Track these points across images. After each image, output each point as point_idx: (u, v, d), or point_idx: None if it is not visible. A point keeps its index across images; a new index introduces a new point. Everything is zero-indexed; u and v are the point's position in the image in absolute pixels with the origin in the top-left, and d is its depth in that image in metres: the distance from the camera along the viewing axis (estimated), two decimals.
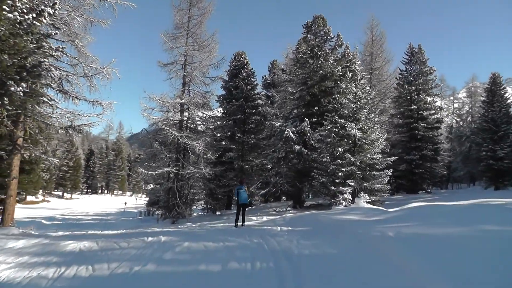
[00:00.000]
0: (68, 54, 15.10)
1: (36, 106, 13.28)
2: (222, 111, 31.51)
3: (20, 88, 11.21)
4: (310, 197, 34.20)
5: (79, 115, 15.10)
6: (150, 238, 11.75)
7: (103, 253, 9.97)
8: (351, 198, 19.04)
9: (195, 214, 31.02)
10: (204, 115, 27.48)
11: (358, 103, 20.33)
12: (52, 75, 13.40)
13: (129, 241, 11.49)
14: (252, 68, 32.93)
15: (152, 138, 25.84)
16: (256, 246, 9.75)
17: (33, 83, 12.62)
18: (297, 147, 23.43)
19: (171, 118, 25.04)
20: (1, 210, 14.88)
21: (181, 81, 26.64)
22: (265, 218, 17.93)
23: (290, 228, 12.46)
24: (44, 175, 20.17)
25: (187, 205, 27.04)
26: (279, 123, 24.92)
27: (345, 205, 18.50)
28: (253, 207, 30.26)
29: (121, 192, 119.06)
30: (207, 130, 27.91)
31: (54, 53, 13.26)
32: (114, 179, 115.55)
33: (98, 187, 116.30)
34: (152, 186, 27.37)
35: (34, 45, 11.78)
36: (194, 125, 27.12)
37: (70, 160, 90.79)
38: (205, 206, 30.17)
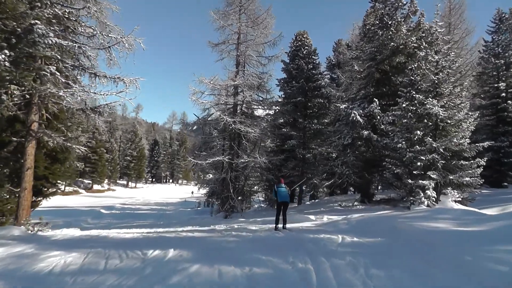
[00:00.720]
0: (82, 23, 12.79)
1: (49, 85, 11.30)
2: (282, 95, 28.79)
3: (2, 56, 9.19)
4: (380, 189, 30.69)
5: (95, 93, 12.85)
6: (154, 252, 8.74)
7: (75, 278, 7.17)
8: (435, 196, 15.49)
9: (255, 206, 28.70)
10: (261, 99, 24.90)
11: (440, 74, 16.60)
12: (57, 43, 11.19)
13: (126, 255, 8.67)
14: (313, 46, 29.79)
15: (203, 125, 23.76)
16: (298, 279, 6.57)
17: (22, 52, 10.53)
18: (365, 132, 20.27)
19: (223, 102, 22.79)
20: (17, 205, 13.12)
21: (234, 62, 24.26)
22: (325, 219, 14.95)
23: (355, 238, 9.45)
24: (78, 165, 18.32)
25: (244, 197, 24.80)
26: (344, 105, 21.81)
27: (428, 205, 15.10)
28: (317, 200, 27.45)
29: (185, 181, 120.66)
30: (265, 116, 25.27)
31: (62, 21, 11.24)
32: (178, 169, 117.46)
33: (162, 176, 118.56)
34: (211, 175, 25.25)
35: (28, 6, 9.88)
36: (250, 110, 24.68)
37: (134, 150, 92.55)
38: (264, 198, 27.74)
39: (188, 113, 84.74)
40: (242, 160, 21.24)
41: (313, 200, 27.35)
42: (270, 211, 22.02)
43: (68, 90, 11.35)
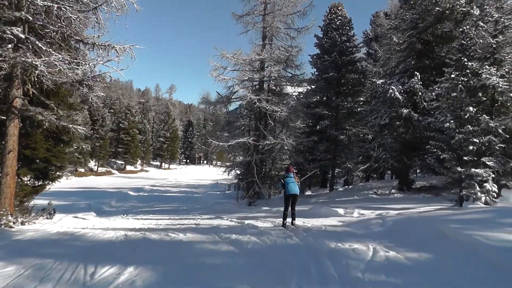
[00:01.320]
0: None
1: (22, 52, 9.62)
2: (315, 72, 26.56)
3: None
4: (419, 173, 28.15)
5: (79, 62, 10.92)
6: (106, 273, 6.39)
7: None
8: (496, 191, 12.34)
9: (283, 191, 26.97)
10: (290, 75, 22.80)
11: (501, 36, 13.79)
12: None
13: (70, 274, 6.45)
14: (348, 17, 27.25)
15: (226, 103, 22.00)
16: None
17: None
18: (405, 111, 18.00)
19: (248, 79, 20.93)
20: None
21: (260, 35, 22.23)
22: (356, 214, 12.33)
23: (391, 252, 6.84)
24: (84, 146, 16.74)
25: (271, 182, 23.07)
26: (381, 81, 19.51)
27: (486, 202, 12.07)
28: (350, 186, 25.39)
29: (219, 162, 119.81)
30: (294, 94, 23.13)
31: None
32: (212, 150, 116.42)
33: (196, 158, 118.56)
34: (240, 157, 23.56)
35: None
36: (277, 88, 22.69)
37: (167, 131, 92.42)
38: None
39: (212, 91, 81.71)
40: (268, 142, 19.43)
41: (346, 186, 25.28)
42: (299, 201, 20.41)
43: (45, 59, 9.68)
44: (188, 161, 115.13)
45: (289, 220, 11.05)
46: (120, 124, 78.82)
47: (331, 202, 17.85)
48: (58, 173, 15.78)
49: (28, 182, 14.78)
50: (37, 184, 14.75)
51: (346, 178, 26.58)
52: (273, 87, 22.42)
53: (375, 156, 20.01)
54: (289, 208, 10.98)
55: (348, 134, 24.47)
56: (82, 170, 71.84)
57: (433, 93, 16.00)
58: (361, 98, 24.74)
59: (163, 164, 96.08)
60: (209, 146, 21.80)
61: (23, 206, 14.61)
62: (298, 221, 11.35)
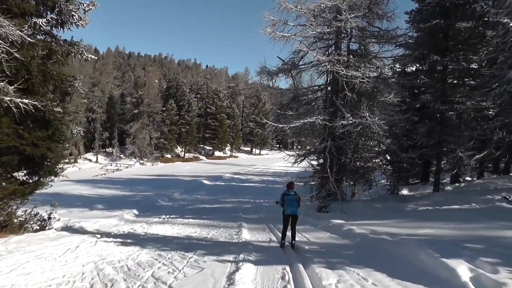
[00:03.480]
0: None
1: None
2: (416, 27, 19.07)
3: None
4: None
5: None
6: None
7: None
8: None
9: (365, 192, 20.14)
10: (376, 30, 16.15)
11: None
12: None
13: None
14: None
15: (290, 71, 16.19)
16: None
17: None
18: None
19: (317, 35, 15.02)
20: None
21: None
22: None
23: None
24: (74, 131, 12.59)
25: (353, 178, 17.14)
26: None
27: None
28: (462, 184, 17.58)
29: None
30: (384, 57, 16.30)
31: None
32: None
33: (288, 143, 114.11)
34: (315, 144, 17.82)
35: None
36: (360, 48, 16.29)
37: (257, 116, 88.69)
38: (385, 180, 19.28)
39: (270, 59, 73.97)
40: (345, 122, 13.38)
41: (456, 184, 17.66)
42: (390, 203, 14.11)
43: None
44: (281, 146, 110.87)
45: (287, 243, 9.66)
46: (208, 109, 76.78)
47: (436, 214, 11.57)
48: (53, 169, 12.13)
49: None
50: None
51: (455, 173, 18.18)
52: (354, 47, 16.17)
53: (496, 140, 14.07)
54: (289, 228, 9.69)
55: (458, 110, 16.78)
56: (169, 156, 71.22)
57: None
58: (478, 57, 16.78)
59: (253, 149, 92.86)
60: (264, 129, 16.37)
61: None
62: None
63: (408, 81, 16.72)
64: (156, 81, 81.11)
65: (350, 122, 13.01)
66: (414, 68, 18.16)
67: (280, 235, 9.86)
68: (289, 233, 9.53)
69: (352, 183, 17.89)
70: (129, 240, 10.40)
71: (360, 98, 16.36)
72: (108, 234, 11.41)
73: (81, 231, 11.84)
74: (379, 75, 15.01)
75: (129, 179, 40.77)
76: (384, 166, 17.78)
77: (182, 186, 31.43)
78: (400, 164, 16.22)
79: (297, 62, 15.90)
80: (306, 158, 17.36)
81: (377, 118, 12.72)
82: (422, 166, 18.72)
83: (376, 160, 17.78)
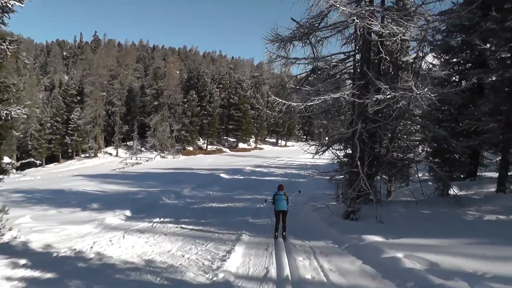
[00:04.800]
0: None
1: None
2: None
3: None
4: None
5: None
6: None
7: None
8: None
9: (403, 190, 16.19)
10: None
11: None
12: None
13: None
14: None
15: (308, 35, 12.72)
16: None
17: None
18: None
19: None
20: None
21: None
22: None
23: None
24: (16, 134, 10.40)
25: (391, 173, 13.63)
26: None
27: None
28: None
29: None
30: (429, 13, 12.42)
31: None
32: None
33: (315, 133, 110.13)
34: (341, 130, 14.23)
35: None
36: (397, 3, 12.61)
37: (287, 118, 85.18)
38: (429, 174, 15.16)
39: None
40: (381, 97, 9.80)
41: None
42: (443, 216, 10.22)
43: None
44: (307, 137, 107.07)
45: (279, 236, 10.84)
46: (230, 99, 73.79)
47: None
48: None
49: None
50: None
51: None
52: (389, 3, 12.54)
53: None
54: (280, 222, 10.96)
55: None
56: (191, 148, 68.89)
57: None
58: None
59: (279, 141, 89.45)
60: (273, 110, 13.12)
61: None
62: None
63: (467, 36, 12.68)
64: (177, 72, 78.71)
65: (388, 96, 9.48)
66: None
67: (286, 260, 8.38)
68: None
69: (387, 179, 14.30)
70: (49, 275, 7.52)
71: (398, 71, 12.83)
72: (37, 258, 8.61)
73: (12, 250, 8.99)
74: (423, 38, 11.41)
75: (142, 174, 38.49)
76: (430, 157, 13.94)
77: (196, 181, 28.77)
78: (452, 156, 12.45)
79: (316, 25, 12.46)
80: (331, 148, 13.95)
81: (426, 89, 9.08)
82: (469, 157, 14.67)
83: (419, 150, 14.10)
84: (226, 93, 75.00)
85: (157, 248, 9.54)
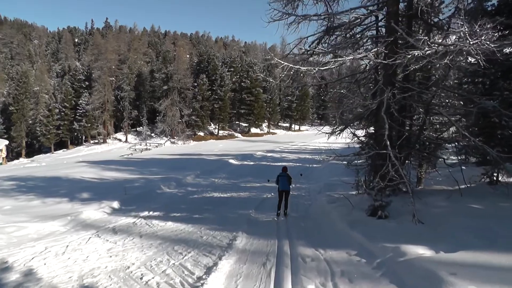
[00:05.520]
0: None
1: None
2: None
3: None
4: None
5: None
6: None
7: None
8: None
9: (437, 178, 13.40)
10: None
11: None
12: None
13: None
14: None
15: None
16: None
17: None
18: None
19: None
20: None
21: None
22: None
23: None
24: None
25: (422, 156, 11.16)
26: None
27: None
28: None
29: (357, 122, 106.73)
30: None
31: None
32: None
33: (330, 117, 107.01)
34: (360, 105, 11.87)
35: None
36: None
37: (296, 89, 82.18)
38: (465, 157, 12.54)
39: None
40: (416, 52, 7.29)
41: None
42: (501, 212, 7.57)
43: None
44: (322, 121, 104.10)
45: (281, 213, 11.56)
46: (242, 83, 71.24)
47: None
48: None
49: None
50: None
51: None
52: None
53: None
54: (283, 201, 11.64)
55: None
56: (202, 134, 66.92)
57: None
58: None
59: (292, 125, 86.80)
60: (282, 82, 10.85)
61: None
62: None
63: None
64: (188, 55, 76.45)
65: (428, 51, 7.03)
66: None
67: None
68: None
69: (425, 162, 11.73)
70: None
71: (429, 33, 10.37)
72: None
73: None
74: None
75: (148, 160, 36.61)
76: (469, 137, 11.18)
77: (202, 167, 26.72)
78: (505, 132, 9.80)
79: None
80: (349, 127, 11.63)
81: (483, 37, 6.61)
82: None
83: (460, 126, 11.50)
84: (238, 76, 72.39)
85: (117, 261, 7.22)
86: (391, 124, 8.60)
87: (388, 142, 8.12)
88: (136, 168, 27.99)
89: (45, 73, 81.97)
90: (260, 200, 14.23)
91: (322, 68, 8.46)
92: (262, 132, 75.57)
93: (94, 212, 11.94)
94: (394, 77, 8.99)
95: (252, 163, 31.76)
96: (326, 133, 11.73)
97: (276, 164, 30.07)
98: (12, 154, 65.59)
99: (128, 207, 13.45)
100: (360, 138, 11.41)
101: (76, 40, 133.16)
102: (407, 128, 10.58)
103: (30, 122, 65.95)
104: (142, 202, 14.40)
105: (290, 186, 12.01)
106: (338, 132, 11.60)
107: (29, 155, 64.40)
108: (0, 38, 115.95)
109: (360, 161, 11.84)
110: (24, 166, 44.64)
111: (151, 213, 12.20)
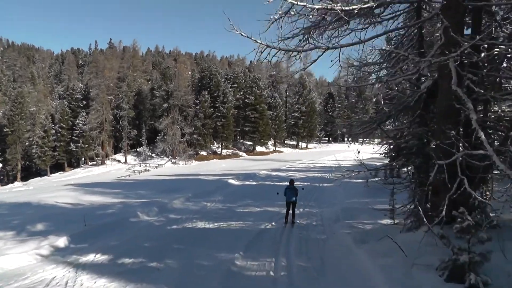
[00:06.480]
0: None
1: None
2: None
3: None
4: None
5: None
6: None
7: None
8: None
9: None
10: None
11: None
12: None
13: None
14: None
15: None
16: None
17: None
18: None
19: None
20: None
21: None
22: None
23: None
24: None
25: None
26: None
27: None
28: None
29: (367, 139, 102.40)
30: None
31: None
32: (357, 124, 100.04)
33: (338, 134, 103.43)
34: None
35: None
36: None
37: (302, 105, 78.92)
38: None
39: None
40: None
41: None
42: None
43: None
44: (329, 138, 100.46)
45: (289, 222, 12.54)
46: (246, 100, 68.12)
47: None
48: None
49: None
50: None
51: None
52: None
53: None
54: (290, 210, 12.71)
55: None
56: (204, 153, 63.68)
57: None
58: None
59: (299, 143, 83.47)
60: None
61: None
62: None
63: None
64: (189, 72, 73.85)
65: None
66: None
67: None
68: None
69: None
70: None
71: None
72: None
73: None
74: None
75: (141, 181, 33.56)
76: None
77: (196, 189, 23.47)
78: None
79: None
80: (382, 125, 8.17)
81: None
82: None
83: None
84: (241, 93, 69.27)
85: None
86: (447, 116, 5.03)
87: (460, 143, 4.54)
88: (123, 190, 24.78)
89: (47, 95, 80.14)
90: (256, 234, 10.76)
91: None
92: (267, 150, 72.27)
93: (17, 257, 8.49)
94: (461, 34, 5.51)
95: (254, 183, 28.70)
96: (356, 133, 8.39)
97: (280, 184, 26.69)
98: (8, 178, 62.99)
99: (77, 244, 10.07)
100: (398, 141, 7.84)
101: (80, 61, 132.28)
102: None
103: (27, 144, 63.26)
104: (101, 236, 10.98)
105: (296, 198, 13.04)
106: (370, 130, 8.14)
107: (26, 178, 61.51)
108: (4, 61, 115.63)
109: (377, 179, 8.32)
110: (11, 190, 42.06)
111: (97, 256, 8.77)
